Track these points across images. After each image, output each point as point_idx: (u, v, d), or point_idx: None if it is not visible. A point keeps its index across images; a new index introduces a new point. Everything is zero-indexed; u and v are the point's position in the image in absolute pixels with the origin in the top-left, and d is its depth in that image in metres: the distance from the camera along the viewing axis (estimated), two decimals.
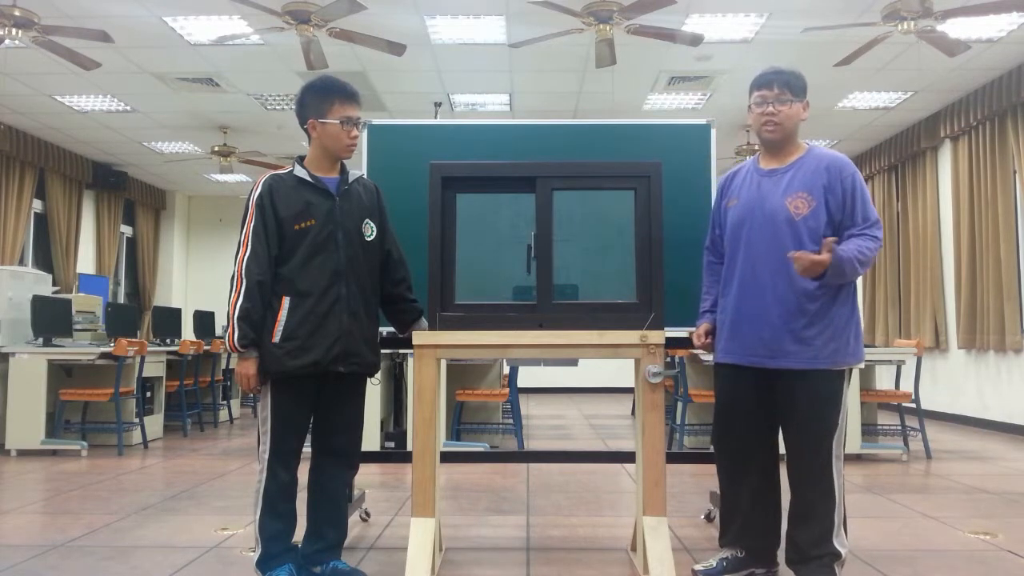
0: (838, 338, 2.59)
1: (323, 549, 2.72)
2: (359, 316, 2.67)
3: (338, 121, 2.66)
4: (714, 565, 2.77)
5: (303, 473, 2.70)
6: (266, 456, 2.61)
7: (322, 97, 2.68)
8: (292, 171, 2.69)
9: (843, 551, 2.58)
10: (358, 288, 2.68)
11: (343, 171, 2.76)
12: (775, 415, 2.69)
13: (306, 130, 2.71)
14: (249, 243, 2.58)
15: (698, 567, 2.78)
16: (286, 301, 2.59)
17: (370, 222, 2.75)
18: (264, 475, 2.61)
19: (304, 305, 2.59)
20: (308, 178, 2.67)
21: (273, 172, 2.70)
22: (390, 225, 2.87)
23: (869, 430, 5.87)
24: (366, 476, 4.79)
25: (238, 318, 2.53)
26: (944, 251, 8.48)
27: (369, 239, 2.74)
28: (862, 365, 2.82)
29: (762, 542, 2.75)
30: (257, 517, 2.63)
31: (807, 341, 2.58)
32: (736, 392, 2.75)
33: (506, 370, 6.32)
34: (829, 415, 2.59)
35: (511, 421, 6.26)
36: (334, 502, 2.75)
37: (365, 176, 2.90)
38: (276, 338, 2.57)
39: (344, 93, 2.69)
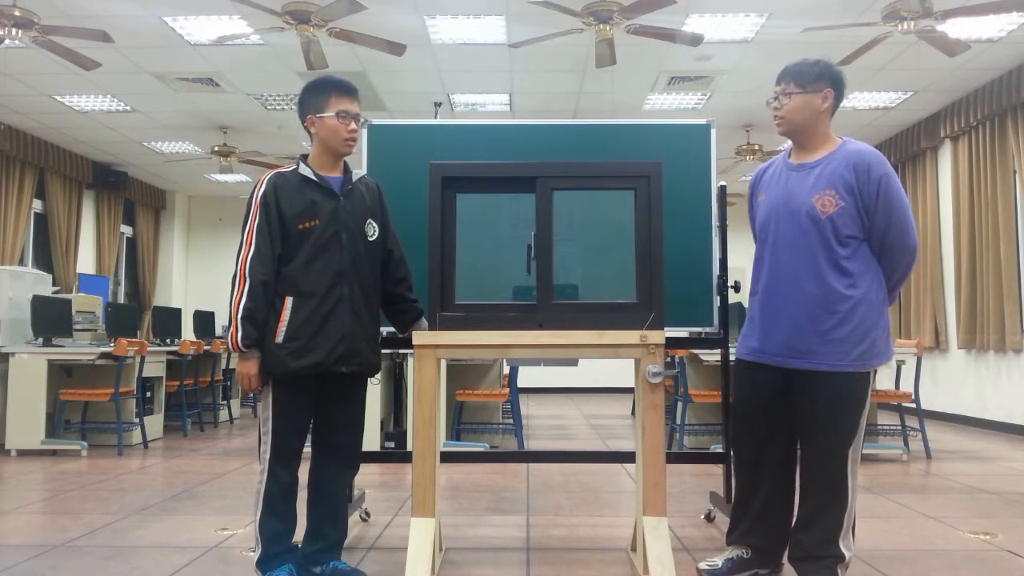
0: (866, 339, 2.53)
1: (323, 549, 2.72)
2: (361, 316, 2.67)
3: (334, 114, 2.65)
4: (719, 564, 2.76)
5: (303, 473, 2.70)
6: (267, 456, 2.61)
7: (319, 92, 2.68)
8: (296, 169, 2.68)
9: (848, 554, 2.56)
10: (360, 288, 2.67)
11: (346, 170, 2.76)
12: (794, 415, 2.65)
13: (307, 129, 2.71)
14: (253, 241, 2.57)
15: (703, 566, 2.78)
16: (289, 301, 2.58)
17: (372, 222, 2.75)
18: (265, 475, 2.61)
19: (307, 305, 2.58)
20: (313, 177, 2.66)
21: (277, 170, 2.69)
22: (392, 225, 2.87)
23: (869, 430, 5.87)
24: (366, 476, 4.79)
25: (242, 318, 2.51)
26: (944, 251, 8.48)
27: (371, 239, 2.73)
28: (891, 363, 2.75)
29: (769, 543, 2.73)
30: (257, 517, 2.62)
31: (835, 342, 2.53)
32: (756, 391, 2.73)
33: (506, 370, 6.31)
34: (850, 418, 2.55)
35: (511, 421, 6.26)
36: (334, 502, 2.75)
37: (367, 176, 2.90)
38: (279, 338, 2.56)
39: (340, 87, 2.69)
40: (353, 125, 2.68)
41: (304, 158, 2.72)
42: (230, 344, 2.55)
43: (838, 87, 2.68)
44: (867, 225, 2.56)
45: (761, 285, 2.71)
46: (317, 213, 2.62)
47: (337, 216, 2.65)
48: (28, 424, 5.79)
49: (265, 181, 2.64)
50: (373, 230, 2.75)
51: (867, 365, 2.56)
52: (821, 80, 2.65)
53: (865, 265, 2.57)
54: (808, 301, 2.57)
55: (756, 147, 9.09)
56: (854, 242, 2.56)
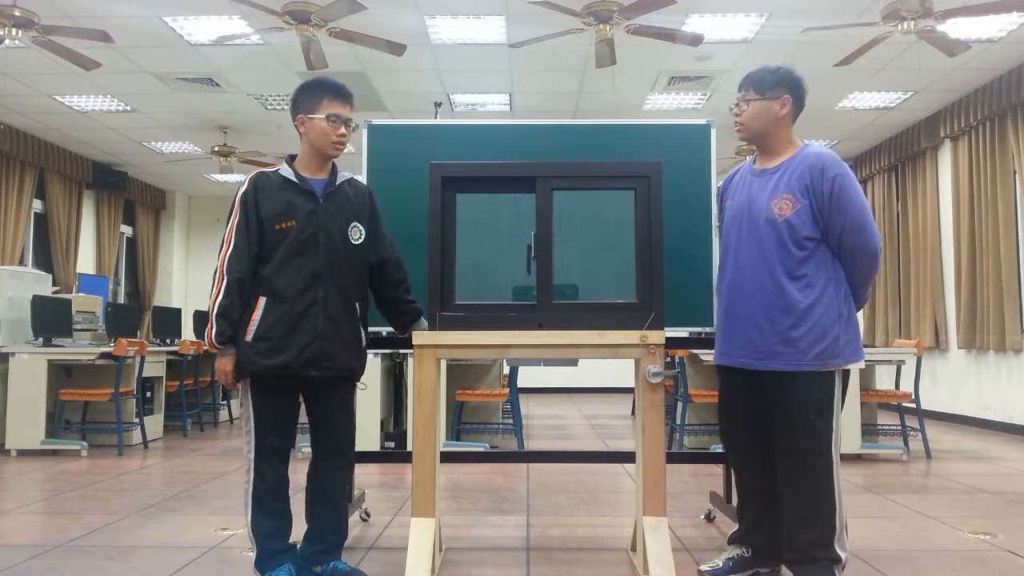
0: (825, 338, 2.56)
1: (323, 550, 2.72)
2: (337, 320, 2.64)
3: (324, 117, 2.65)
4: (720, 565, 2.77)
5: (303, 473, 2.70)
6: (251, 456, 2.61)
7: (312, 93, 2.68)
8: (279, 170, 2.69)
9: (843, 555, 2.56)
10: (338, 292, 2.65)
11: (332, 172, 2.75)
12: (770, 416, 2.67)
13: (297, 127, 2.71)
14: (232, 239, 2.59)
15: (705, 567, 2.78)
16: (262, 301, 2.59)
17: (358, 225, 2.73)
18: (251, 475, 2.61)
19: (279, 306, 2.58)
20: (293, 178, 2.66)
21: (261, 170, 2.70)
22: (384, 228, 2.85)
23: (869, 430, 5.87)
24: (366, 476, 4.79)
25: (216, 315, 2.54)
26: (944, 251, 8.48)
27: (356, 242, 2.71)
28: (860, 365, 2.77)
29: (770, 541, 2.74)
30: (249, 518, 2.62)
31: (794, 342, 2.56)
32: (733, 394, 2.77)
33: (506, 370, 6.31)
34: (820, 417, 2.56)
35: (511, 421, 6.26)
36: (332, 503, 2.74)
37: (356, 178, 2.86)
38: (249, 336, 2.57)
39: (333, 91, 2.68)
40: (343, 129, 2.68)
41: (291, 158, 2.72)
42: (206, 340, 2.58)
43: (797, 93, 2.71)
44: (823, 224, 2.59)
45: (724, 289, 2.76)
46: (294, 214, 2.61)
47: (315, 218, 2.63)
48: (28, 424, 5.79)
49: (247, 181, 2.66)
50: (359, 233, 2.73)
51: (828, 364, 2.57)
52: (780, 87, 2.69)
53: (822, 266, 2.60)
54: (766, 303, 2.60)
55: (756, 147, 9.07)
56: (811, 244, 2.59)
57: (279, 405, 2.64)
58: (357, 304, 2.73)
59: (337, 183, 2.72)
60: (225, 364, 2.58)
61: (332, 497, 2.74)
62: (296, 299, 2.58)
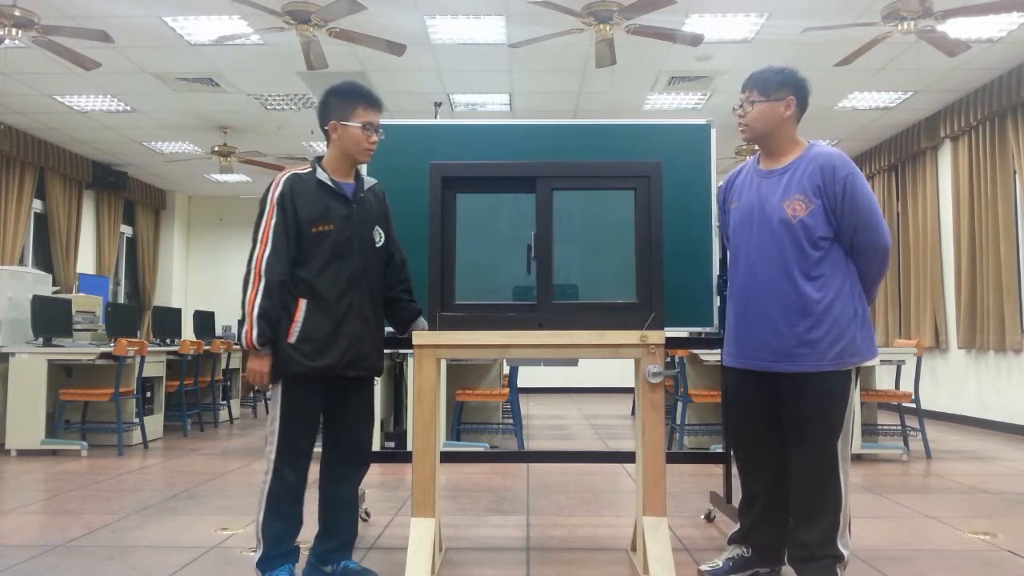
0: (843, 338, 2.56)
1: (334, 548, 2.73)
2: (369, 322, 2.70)
3: (360, 125, 2.68)
4: (720, 565, 2.77)
5: (311, 473, 2.70)
6: (272, 456, 2.60)
7: (346, 100, 2.71)
8: (313, 173, 2.70)
9: (846, 553, 2.57)
10: (369, 294, 2.70)
11: (358, 177, 2.79)
12: (782, 416, 2.68)
13: (326, 131, 2.73)
14: (270, 240, 2.59)
15: (705, 567, 2.78)
16: (303, 304, 2.60)
17: (379, 228, 2.79)
18: (269, 475, 2.61)
19: (321, 309, 2.60)
20: (328, 182, 2.68)
21: (294, 171, 2.71)
22: (394, 229, 2.90)
23: (869, 430, 5.87)
24: (366, 476, 4.78)
25: (258, 316, 2.53)
26: (944, 251, 8.48)
27: (378, 245, 2.77)
28: (875, 361, 2.78)
29: (770, 541, 2.75)
30: (260, 517, 2.61)
31: (812, 344, 2.56)
32: (743, 395, 2.76)
33: (506, 370, 6.31)
34: (835, 416, 2.57)
35: (511, 421, 6.26)
36: (345, 503, 2.75)
37: (377, 184, 2.90)
38: (292, 339, 2.58)
39: (368, 99, 2.73)
40: (375, 137, 2.72)
41: (319, 160, 2.74)
42: (244, 342, 2.56)
43: (801, 94, 2.71)
44: (836, 223, 2.59)
45: (736, 290, 2.75)
46: (331, 218, 2.65)
47: (350, 223, 2.67)
48: (28, 424, 5.78)
49: (282, 182, 2.65)
50: (380, 236, 2.78)
51: (846, 364, 2.58)
52: (784, 88, 2.68)
53: (837, 266, 2.60)
54: (783, 305, 2.60)
55: (756, 147, 9.07)
56: (826, 243, 2.59)
57: (309, 405, 2.65)
58: (381, 304, 2.81)
59: (364, 189, 2.77)
60: (263, 365, 2.57)
61: (347, 497, 2.76)
62: (336, 303, 2.62)
